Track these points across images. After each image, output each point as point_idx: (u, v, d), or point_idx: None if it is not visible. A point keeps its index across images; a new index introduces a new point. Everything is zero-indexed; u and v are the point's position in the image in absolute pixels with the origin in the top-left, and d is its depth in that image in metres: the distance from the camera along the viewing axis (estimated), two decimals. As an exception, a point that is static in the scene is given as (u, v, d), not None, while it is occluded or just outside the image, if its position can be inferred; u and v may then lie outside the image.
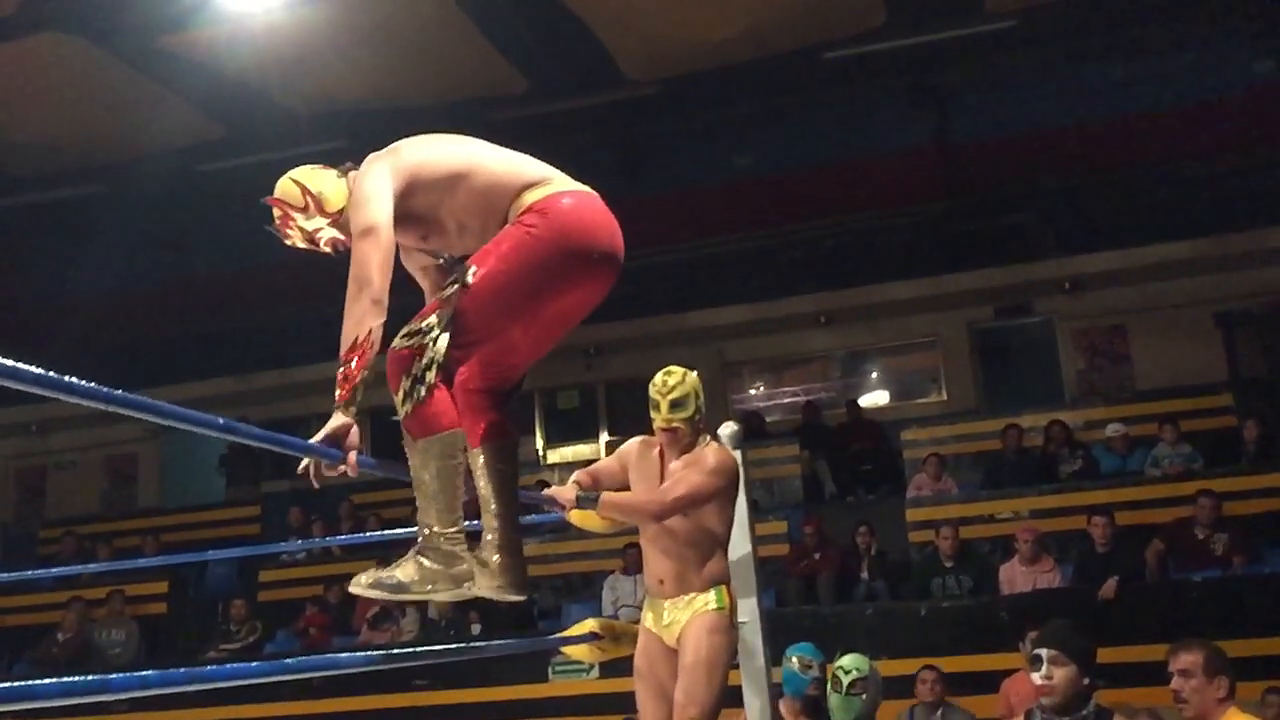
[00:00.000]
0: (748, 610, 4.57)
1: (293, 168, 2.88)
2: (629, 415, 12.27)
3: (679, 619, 3.97)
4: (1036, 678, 3.34)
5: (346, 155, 11.76)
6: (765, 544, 7.29)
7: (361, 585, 2.54)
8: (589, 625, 3.88)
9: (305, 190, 2.77)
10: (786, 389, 13.10)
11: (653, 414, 4.06)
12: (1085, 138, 12.31)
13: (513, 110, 12.43)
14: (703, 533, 4.01)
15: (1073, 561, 8.32)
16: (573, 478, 4.08)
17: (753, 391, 13.30)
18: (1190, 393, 10.25)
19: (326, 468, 2.47)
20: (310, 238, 2.79)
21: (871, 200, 12.71)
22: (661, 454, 4.12)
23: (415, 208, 2.71)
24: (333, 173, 2.83)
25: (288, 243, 2.85)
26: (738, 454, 4.47)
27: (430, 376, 2.49)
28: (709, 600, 3.95)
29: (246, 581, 11.22)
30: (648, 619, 4.09)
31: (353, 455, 2.44)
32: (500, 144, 2.92)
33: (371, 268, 2.50)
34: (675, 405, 4.02)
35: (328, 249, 2.77)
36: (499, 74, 11.64)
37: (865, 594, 8.76)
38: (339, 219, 2.76)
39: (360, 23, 10.41)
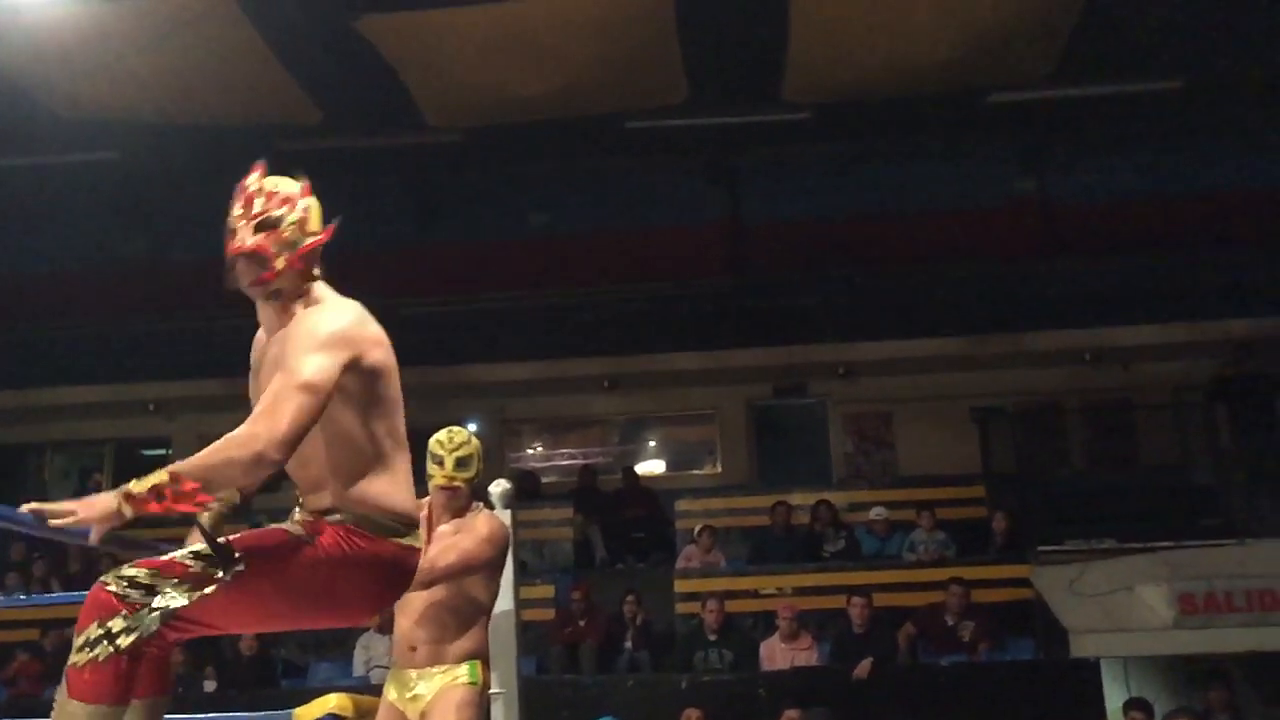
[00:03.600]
0: (505, 679, 4.36)
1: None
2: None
3: (426, 693, 3.72)
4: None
5: (114, 168, 11.00)
6: (530, 608, 7.09)
7: None
8: (331, 703, 3.55)
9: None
10: (564, 451, 12.99)
11: (433, 469, 3.85)
12: (865, 231, 12.86)
13: (305, 141, 11.97)
14: (466, 601, 3.79)
15: (830, 640, 8.47)
16: None
17: (530, 451, 13.12)
18: (947, 482, 10.73)
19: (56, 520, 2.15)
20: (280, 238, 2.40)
21: (663, 270, 12.86)
22: (430, 515, 3.90)
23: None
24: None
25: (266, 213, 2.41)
26: (508, 514, 4.30)
27: (124, 643, 2.12)
28: (460, 674, 3.72)
29: (-48, 622, 10.09)
30: (390, 692, 3.81)
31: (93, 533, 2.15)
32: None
33: (288, 417, 2.18)
34: (461, 464, 3.84)
35: (251, 249, 2.38)
36: (293, 102, 11.19)
37: (628, 664, 8.65)
38: (283, 238, 2.40)
39: (144, 32, 9.79)
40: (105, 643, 2.11)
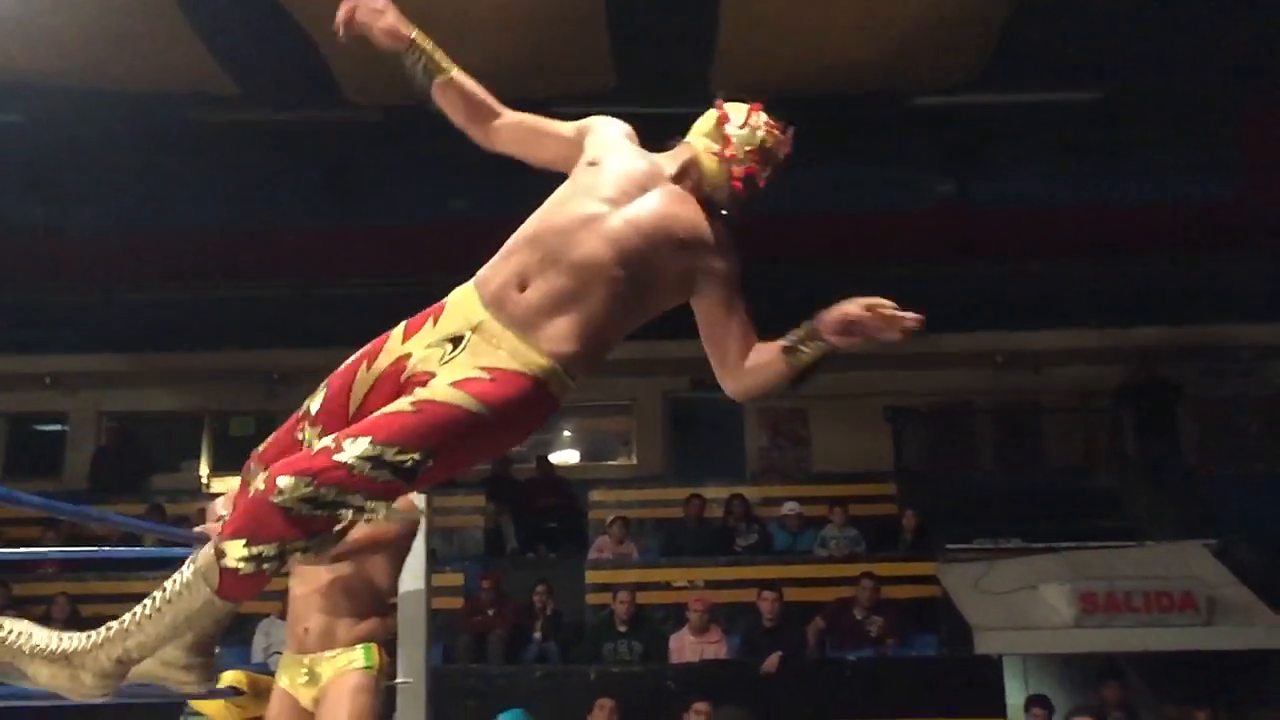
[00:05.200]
0: (414, 668, 4.26)
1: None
2: (308, 449, 11.55)
3: (320, 678, 3.59)
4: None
5: (18, 132, 10.52)
6: (439, 596, 6.96)
7: None
8: (227, 678, 3.43)
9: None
10: (478, 438, 12.84)
11: None
12: (785, 228, 12.87)
13: (218, 113, 11.63)
14: (363, 584, 3.67)
15: (740, 633, 8.48)
16: (216, 505, 3.61)
17: (443, 437, 12.91)
18: (859, 479, 10.82)
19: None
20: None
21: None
22: None
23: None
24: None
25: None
26: (422, 499, 4.19)
27: (295, 559, 2.00)
28: (355, 658, 3.60)
29: None
30: (283, 678, 3.67)
31: None
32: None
33: None
34: None
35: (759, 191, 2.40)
36: (206, 72, 10.83)
37: (536, 655, 8.57)
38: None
39: (54, -11, 9.42)
40: (277, 560, 1.98)
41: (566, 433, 13.10)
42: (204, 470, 12.21)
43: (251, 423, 12.39)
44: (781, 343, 2.41)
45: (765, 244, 12.62)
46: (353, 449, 1.99)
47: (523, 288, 2.22)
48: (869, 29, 10.22)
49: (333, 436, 2.04)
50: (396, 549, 3.78)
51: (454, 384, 2.08)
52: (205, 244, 12.44)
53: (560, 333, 2.17)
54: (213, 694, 3.35)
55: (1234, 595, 8.24)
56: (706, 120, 2.47)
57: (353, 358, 2.27)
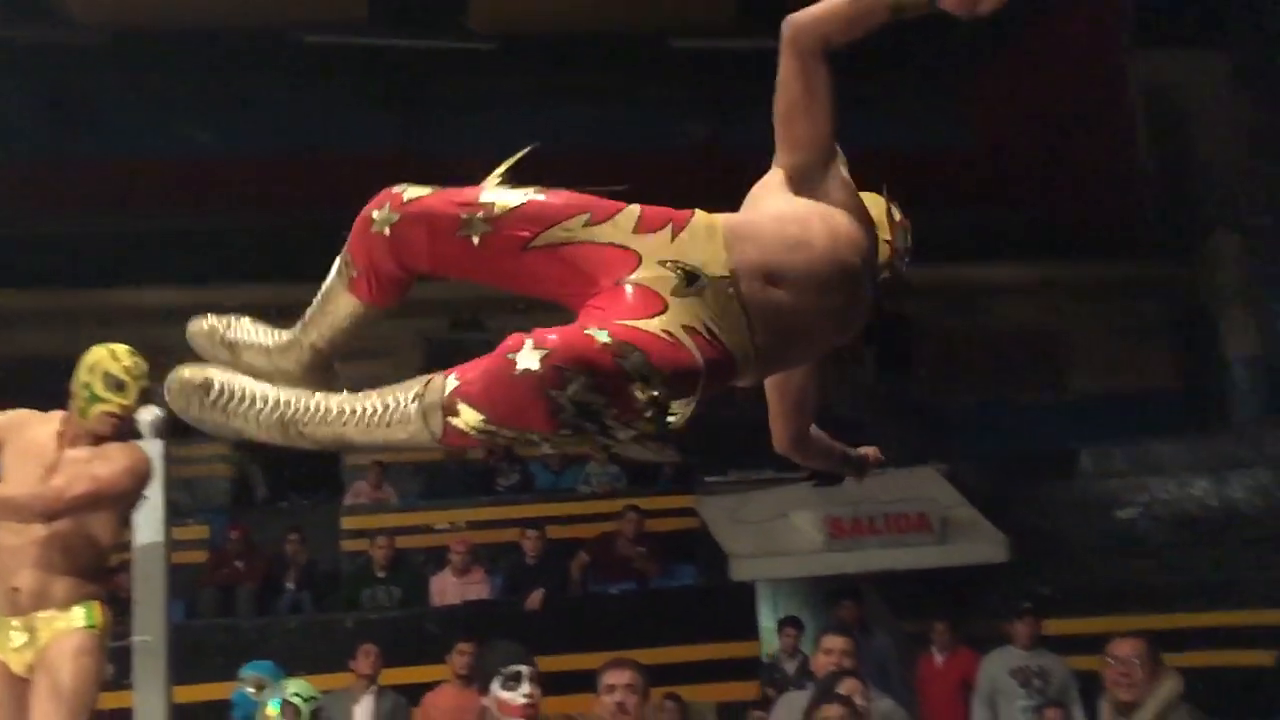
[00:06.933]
0: (152, 625, 4.02)
1: None
2: (23, 396, 10.67)
3: (34, 642, 3.31)
4: (518, 696, 3.21)
5: None
6: (181, 550, 6.60)
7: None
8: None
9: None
10: (224, 383, 12.22)
11: (108, 394, 3.38)
12: (550, 171, 12.79)
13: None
14: (83, 540, 3.38)
15: (503, 573, 8.47)
16: None
17: (184, 384, 12.22)
18: (620, 418, 10.95)
19: None
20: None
21: (333, 197, 12.18)
22: (61, 437, 3.45)
23: None
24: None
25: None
26: (159, 444, 3.92)
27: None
28: (75, 617, 3.33)
29: None
30: None
31: None
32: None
33: None
34: (141, 395, 3.42)
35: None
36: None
37: (290, 605, 8.28)
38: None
39: None
40: (513, 441, 1.88)
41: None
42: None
43: (-38, 371, 11.33)
44: (844, 450, 2.59)
45: (537, 181, 12.54)
46: (631, 357, 1.76)
47: (772, 282, 1.96)
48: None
49: (606, 331, 1.78)
50: (123, 504, 3.51)
51: (687, 329, 1.87)
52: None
53: (773, 339, 1.98)
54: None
55: (963, 515, 8.88)
56: (875, 204, 2.30)
57: (575, 195, 1.98)
